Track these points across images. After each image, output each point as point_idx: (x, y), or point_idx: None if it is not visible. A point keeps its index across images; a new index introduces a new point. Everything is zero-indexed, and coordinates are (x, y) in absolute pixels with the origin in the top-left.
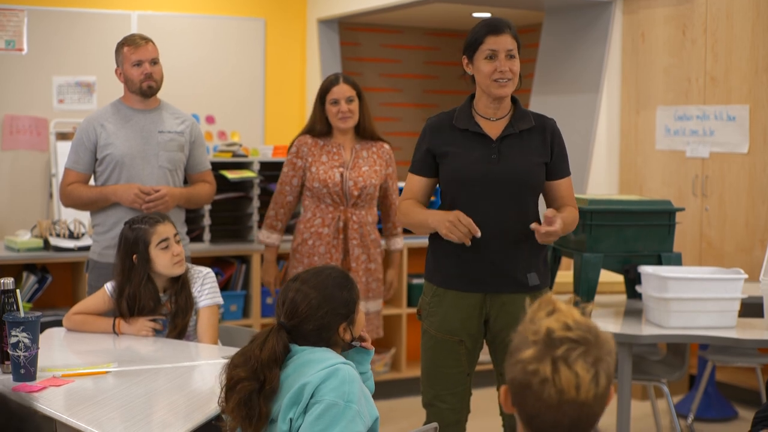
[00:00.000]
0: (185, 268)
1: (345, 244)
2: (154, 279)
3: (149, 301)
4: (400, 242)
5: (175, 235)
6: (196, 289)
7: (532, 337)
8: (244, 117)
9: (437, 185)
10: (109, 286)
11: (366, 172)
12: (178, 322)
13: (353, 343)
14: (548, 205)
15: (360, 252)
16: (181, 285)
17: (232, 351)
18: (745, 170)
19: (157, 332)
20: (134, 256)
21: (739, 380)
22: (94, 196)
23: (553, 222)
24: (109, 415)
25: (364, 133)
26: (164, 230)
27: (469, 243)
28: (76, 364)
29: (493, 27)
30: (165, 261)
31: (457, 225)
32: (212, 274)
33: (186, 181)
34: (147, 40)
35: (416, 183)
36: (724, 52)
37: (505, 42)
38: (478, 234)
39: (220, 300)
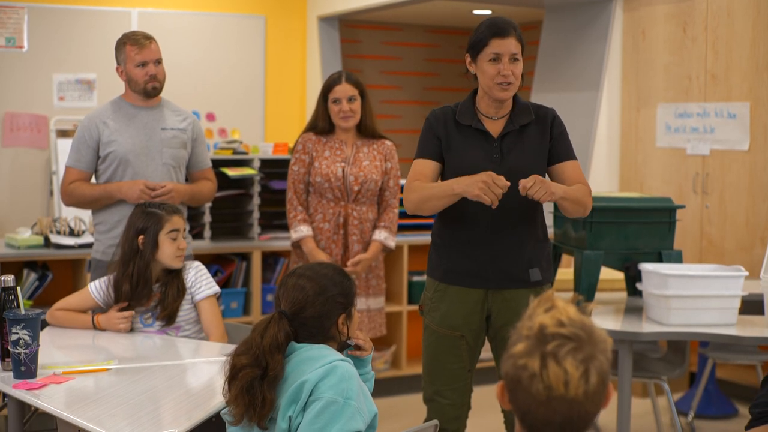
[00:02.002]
0: (182, 264)
1: (345, 240)
2: (151, 268)
3: (140, 285)
4: (384, 234)
5: (185, 229)
6: (189, 280)
7: (526, 332)
8: (245, 114)
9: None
10: (92, 286)
11: (366, 167)
12: (168, 304)
13: (348, 341)
14: None
15: (360, 248)
16: (173, 277)
17: (232, 348)
18: (746, 168)
19: (144, 325)
20: (141, 238)
21: (739, 378)
22: (97, 193)
23: (527, 181)
24: (110, 413)
25: (365, 131)
26: (178, 221)
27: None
28: (77, 361)
29: (498, 30)
30: (170, 251)
31: (491, 186)
32: (203, 266)
33: (187, 179)
34: (150, 39)
35: (425, 165)
36: (724, 50)
37: (509, 45)
38: (507, 186)
39: (217, 289)
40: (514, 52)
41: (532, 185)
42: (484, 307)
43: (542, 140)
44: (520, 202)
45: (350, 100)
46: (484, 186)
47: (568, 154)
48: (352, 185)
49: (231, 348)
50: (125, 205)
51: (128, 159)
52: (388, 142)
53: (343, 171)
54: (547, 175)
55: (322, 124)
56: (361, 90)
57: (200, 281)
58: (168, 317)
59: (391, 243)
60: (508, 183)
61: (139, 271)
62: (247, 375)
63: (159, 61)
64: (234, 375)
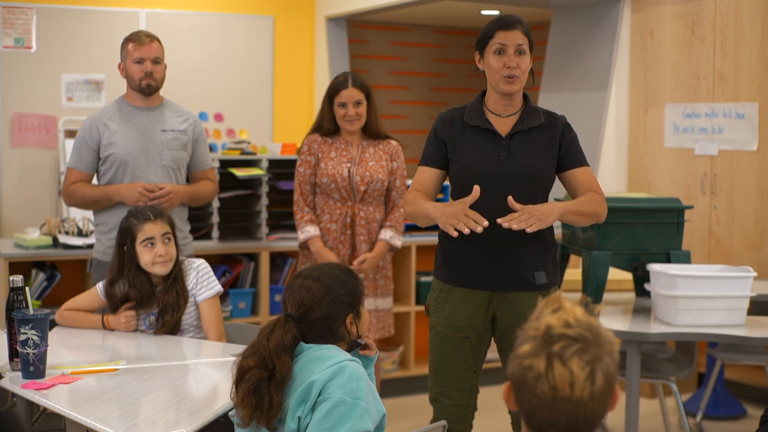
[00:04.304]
0: (168, 269)
1: (352, 240)
2: (148, 272)
3: (141, 292)
4: (390, 234)
5: (165, 234)
6: (191, 282)
7: (533, 332)
8: (253, 115)
9: (446, 179)
10: (100, 285)
11: (372, 167)
12: (167, 320)
13: (358, 340)
14: (572, 197)
15: (367, 249)
16: (170, 283)
17: (239, 348)
18: (754, 168)
19: (148, 327)
20: (125, 247)
21: (747, 378)
22: (97, 195)
23: (516, 209)
24: (118, 413)
25: (371, 132)
26: (151, 229)
27: (468, 232)
28: (85, 361)
29: (503, 22)
30: (147, 259)
31: (459, 218)
32: (205, 264)
33: (188, 179)
34: (152, 38)
35: (426, 174)
36: (732, 50)
37: (515, 37)
38: (484, 225)
39: (219, 288)
40: (520, 43)
41: (512, 220)
42: (489, 309)
43: (551, 145)
44: (526, 203)
45: (357, 104)
46: (451, 220)
47: (580, 161)
48: (359, 185)
49: (237, 348)
50: (125, 206)
51: (128, 161)
52: (393, 142)
53: (349, 171)
54: (557, 180)
55: (327, 125)
56: (367, 93)
57: (201, 282)
58: (170, 332)
59: (397, 242)
60: (483, 220)
61: (126, 279)
62: (254, 377)
63: (158, 61)
64: (241, 377)
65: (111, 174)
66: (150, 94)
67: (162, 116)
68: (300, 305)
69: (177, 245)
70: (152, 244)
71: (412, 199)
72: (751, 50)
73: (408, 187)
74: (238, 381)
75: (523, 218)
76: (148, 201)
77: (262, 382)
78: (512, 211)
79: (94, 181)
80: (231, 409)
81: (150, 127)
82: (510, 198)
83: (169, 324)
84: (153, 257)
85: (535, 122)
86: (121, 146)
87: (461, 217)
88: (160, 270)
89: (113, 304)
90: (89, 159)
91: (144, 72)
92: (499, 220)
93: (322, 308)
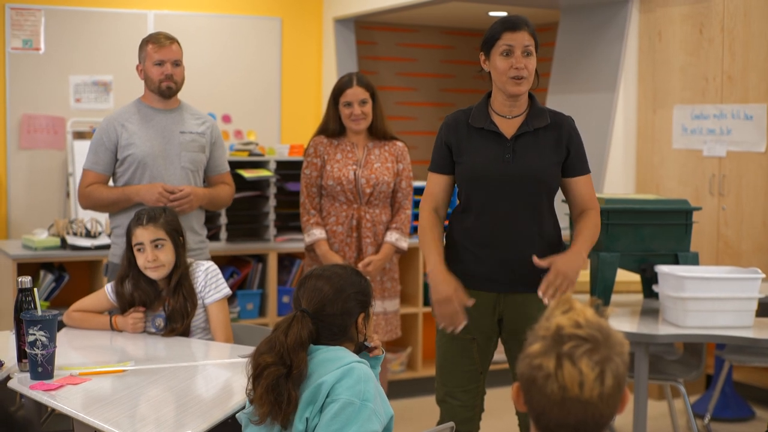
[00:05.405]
0: (161, 274)
1: (358, 243)
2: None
3: (145, 293)
4: (395, 236)
5: (156, 240)
6: (199, 285)
7: (543, 332)
8: (261, 116)
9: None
10: (109, 287)
11: (378, 169)
12: (176, 327)
13: (365, 343)
14: (569, 204)
15: (373, 251)
16: (174, 287)
17: (247, 349)
18: (763, 169)
19: (157, 330)
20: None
21: (756, 380)
22: (115, 196)
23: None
24: (127, 414)
25: (377, 133)
26: (141, 234)
27: (451, 329)
28: (93, 362)
29: (510, 24)
30: (140, 263)
31: (450, 320)
32: (214, 266)
33: (204, 183)
34: (172, 41)
35: (436, 182)
36: (741, 51)
37: (521, 38)
38: (461, 325)
39: (227, 291)
40: (527, 44)
41: (554, 291)
42: (495, 311)
43: (557, 147)
44: (532, 206)
45: (362, 103)
46: (443, 317)
47: (583, 168)
48: (364, 188)
49: (244, 349)
50: (142, 208)
51: (146, 162)
52: (399, 143)
53: (355, 174)
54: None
55: (333, 126)
56: (372, 92)
57: (210, 285)
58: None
59: (403, 244)
60: (459, 325)
61: (135, 281)
62: (273, 373)
63: (178, 63)
64: (259, 374)
65: (129, 175)
66: (170, 96)
67: (180, 118)
68: (315, 301)
69: (179, 250)
70: (140, 250)
71: (423, 230)
72: (760, 51)
73: (414, 188)
74: (256, 378)
75: (561, 285)
76: (168, 202)
77: (281, 379)
78: (516, 211)
79: (110, 183)
80: (239, 410)
81: (169, 129)
82: (535, 257)
83: (178, 331)
84: (144, 262)
85: (540, 123)
86: (140, 147)
87: (451, 320)
88: (152, 275)
89: (122, 304)
90: (106, 160)
91: (164, 74)
92: (540, 294)
93: (337, 304)
